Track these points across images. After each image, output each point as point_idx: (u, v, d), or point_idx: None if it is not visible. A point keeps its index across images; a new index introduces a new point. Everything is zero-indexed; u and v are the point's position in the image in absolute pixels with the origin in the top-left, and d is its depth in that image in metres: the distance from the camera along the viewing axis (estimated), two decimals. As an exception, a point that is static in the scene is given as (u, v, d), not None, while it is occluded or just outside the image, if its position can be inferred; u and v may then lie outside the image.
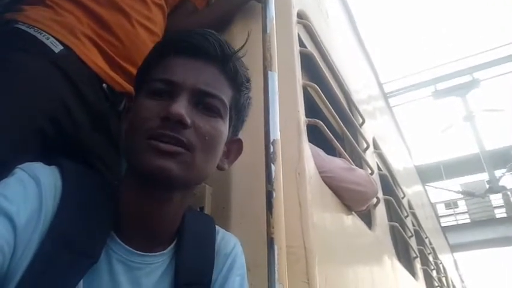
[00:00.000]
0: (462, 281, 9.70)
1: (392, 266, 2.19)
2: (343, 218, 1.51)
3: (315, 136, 1.44)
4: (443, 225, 10.35)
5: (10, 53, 0.89)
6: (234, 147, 0.80)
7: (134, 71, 0.94)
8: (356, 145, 1.95)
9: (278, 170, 0.92)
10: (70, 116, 0.92)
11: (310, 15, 1.69)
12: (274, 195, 0.89)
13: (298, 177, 1.10)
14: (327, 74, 1.72)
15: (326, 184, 1.35)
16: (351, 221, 1.58)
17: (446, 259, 6.62)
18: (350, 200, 1.50)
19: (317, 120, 1.36)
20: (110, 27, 1.03)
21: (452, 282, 6.54)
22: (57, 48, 0.93)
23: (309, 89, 1.47)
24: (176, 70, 0.70)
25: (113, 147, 1.02)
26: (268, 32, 1.11)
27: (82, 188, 0.66)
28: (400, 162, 4.05)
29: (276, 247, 0.84)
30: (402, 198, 3.26)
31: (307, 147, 1.23)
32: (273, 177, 0.90)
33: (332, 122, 1.78)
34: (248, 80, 0.80)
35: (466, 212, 19.27)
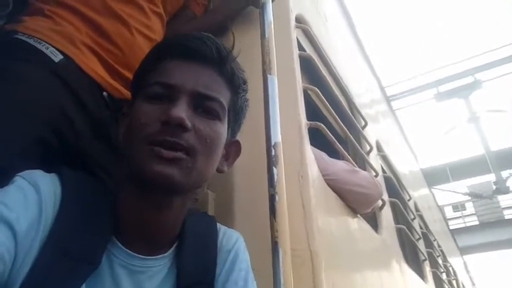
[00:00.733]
0: (473, 284, 9.60)
1: (401, 270, 2.17)
2: (348, 221, 1.49)
3: (318, 140, 1.43)
4: (451, 227, 10.26)
5: (11, 63, 0.89)
6: (233, 149, 0.80)
7: None
8: (359, 148, 1.94)
9: (280, 173, 0.91)
10: (70, 125, 0.92)
11: (309, 19, 1.69)
12: (277, 198, 0.88)
13: (301, 180, 1.09)
14: (327, 77, 1.72)
15: (330, 187, 1.34)
16: (357, 224, 1.57)
17: (455, 262, 6.55)
18: (355, 202, 1.49)
19: (319, 123, 1.35)
20: (109, 36, 1.04)
21: (462, 284, 6.46)
22: (57, 57, 0.93)
23: (309, 92, 1.47)
24: (175, 73, 0.70)
25: (114, 154, 1.02)
26: (266, 36, 1.11)
27: (81, 195, 0.66)
28: (405, 165, 4.03)
29: (280, 250, 0.83)
30: (409, 200, 3.23)
31: (309, 150, 1.22)
32: (275, 180, 0.90)
33: (334, 125, 1.78)
34: (245, 82, 0.80)
35: (474, 214, 19.11)
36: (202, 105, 0.70)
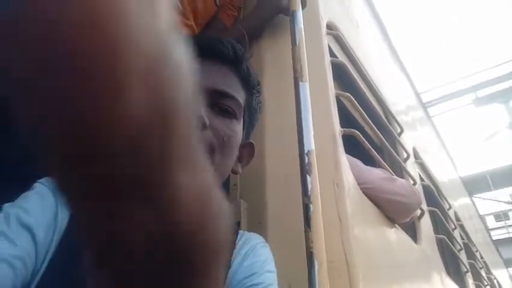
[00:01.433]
0: (520, 298, 9.09)
1: (442, 282, 2.08)
2: (386, 231, 1.44)
3: (352, 147, 1.40)
4: (494, 238, 9.80)
5: None
6: (246, 151, 0.79)
7: None
8: (396, 155, 1.88)
9: (314, 182, 0.89)
10: None
11: (340, 26, 1.67)
12: (311, 208, 0.86)
13: (337, 188, 1.06)
14: (360, 84, 1.69)
15: (366, 195, 1.30)
16: (395, 234, 1.51)
17: (500, 274, 6.24)
18: (393, 211, 1.43)
19: (353, 130, 1.32)
20: None
21: (508, 299, 6.14)
22: None
23: (342, 99, 1.44)
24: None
25: None
26: (297, 44, 1.11)
27: None
28: (444, 173, 3.89)
29: (316, 262, 0.80)
30: (448, 209, 3.11)
31: (344, 158, 1.19)
32: (309, 189, 0.88)
33: (368, 132, 1.74)
34: (259, 84, 0.80)
35: (518, 224, 18.19)
36: (219, 103, 0.69)
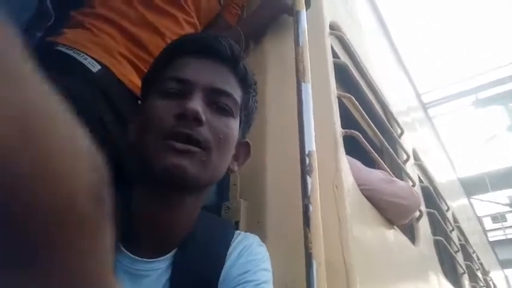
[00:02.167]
0: (515, 300, 9.12)
1: (439, 283, 2.09)
2: (384, 232, 1.45)
3: (353, 148, 1.40)
4: (491, 239, 9.81)
5: (50, 74, 0.92)
6: (242, 150, 0.79)
7: None
8: (396, 157, 1.89)
9: (315, 182, 0.89)
10: (108, 134, 0.94)
11: (343, 26, 1.67)
12: (311, 208, 0.86)
13: (336, 190, 1.07)
14: (362, 85, 1.69)
15: (366, 197, 1.31)
16: (393, 235, 1.52)
17: (496, 275, 6.26)
18: (392, 213, 1.44)
19: (354, 131, 1.33)
20: (146, 46, 1.06)
21: (504, 300, 6.16)
22: (95, 68, 0.96)
23: (344, 100, 1.44)
24: (189, 69, 0.70)
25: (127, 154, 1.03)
26: (300, 44, 1.11)
27: None
28: (442, 174, 3.90)
29: (314, 263, 0.81)
30: (447, 211, 3.12)
31: (344, 159, 1.20)
32: (309, 190, 0.88)
33: (369, 133, 1.74)
34: (255, 83, 0.80)
35: (515, 226, 18.21)
36: (216, 101, 0.70)
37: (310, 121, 0.96)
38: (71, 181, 0.17)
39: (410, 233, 1.88)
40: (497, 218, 19.06)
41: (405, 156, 2.10)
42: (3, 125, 0.14)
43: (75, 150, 0.18)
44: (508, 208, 17.59)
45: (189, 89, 0.69)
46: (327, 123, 1.19)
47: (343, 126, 1.27)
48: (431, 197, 2.65)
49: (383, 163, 1.57)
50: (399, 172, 1.95)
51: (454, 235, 3.12)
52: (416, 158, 2.52)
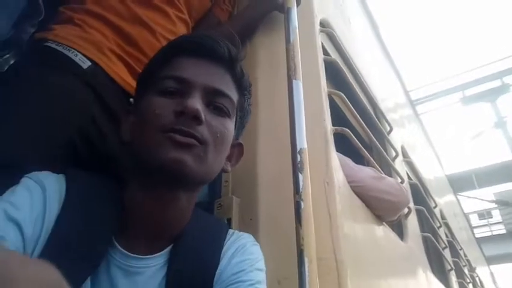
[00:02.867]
0: (500, 295, 9.29)
1: (427, 279, 2.11)
2: (374, 228, 1.46)
3: (343, 145, 1.41)
4: (477, 236, 9.97)
5: (42, 70, 0.91)
6: (236, 150, 0.81)
7: None
8: (385, 153, 1.90)
9: (306, 179, 0.90)
10: (98, 130, 0.93)
11: (333, 23, 1.68)
12: (302, 205, 0.87)
13: (327, 187, 1.07)
14: (352, 82, 1.70)
15: (356, 194, 1.32)
16: (383, 231, 1.53)
17: (482, 272, 6.36)
18: (381, 209, 1.46)
19: (344, 129, 1.33)
20: (136, 43, 1.05)
21: (490, 295, 6.26)
22: (86, 64, 0.95)
23: (334, 97, 1.45)
24: (188, 68, 0.71)
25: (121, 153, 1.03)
26: (291, 41, 1.11)
27: (85, 195, 0.66)
28: (430, 171, 3.94)
29: (306, 259, 0.81)
30: (434, 208, 3.16)
31: (335, 156, 1.20)
32: (300, 187, 0.88)
33: (359, 130, 1.75)
34: (251, 85, 0.81)
35: (500, 223, 18.52)
36: (214, 101, 0.71)
37: (302, 119, 0.96)
38: None
39: (399, 229, 1.90)
40: (484, 214, 19.35)
41: (394, 153, 2.12)
42: None
43: None
44: (494, 205, 17.87)
45: (188, 88, 0.69)
46: (317, 121, 1.20)
47: (333, 124, 1.28)
48: (419, 194, 2.68)
49: (372, 160, 1.59)
50: (388, 169, 1.97)
51: (442, 232, 3.16)
52: (405, 155, 2.55)
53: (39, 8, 0.88)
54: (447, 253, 3.10)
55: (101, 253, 0.64)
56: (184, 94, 0.68)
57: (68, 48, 0.95)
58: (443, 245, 3.02)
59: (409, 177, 2.49)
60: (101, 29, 1.02)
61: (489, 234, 17.53)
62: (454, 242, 3.73)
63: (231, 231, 0.81)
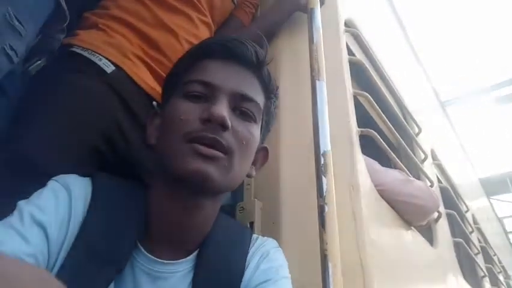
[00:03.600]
0: (538, 303, 8.89)
1: (458, 286, 2.04)
2: (402, 233, 1.42)
3: (369, 147, 1.38)
4: (512, 241, 9.58)
5: (66, 75, 0.93)
6: (261, 154, 0.79)
7: None
8: (413, 156, 1.85)
9: (330, 183, 0.88)
10: (122, 134, 0.94)
11: (359, 23, 1.65)
12: (326, 209, 0.85)
13: (352, 190, 1.05)
14: (378, 83, 1.66)
15: (382, 197, 1.28)
16: (411, 236, 1.49)
17: (518, 278, 6.10)
18: (409, 214, 1.41)
19: (370, 130, 1.30)
20: (159, 47, 1.06)
21: (526, 304, 6.00)
22: (110, 68, 0.96)
23: (359, 98, 1.42)
24: (215, 73, 0.70)
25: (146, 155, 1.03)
26: (315, 42, 1.09)
27: (111, 199, 0.66)
28: (462, 174, 3.82)
29: (330, 264, 0.80)
30: (466, 212, 3.05)
31: (361, 159, 1.18)
32: (324, 190, 0.87)
33: (385, 132, 1.71)
34: (277, 89, 0.80)
35: (538, 227, 17.78)
36: (240, 106, 0.70)
37: (326, 120, 0.95)
38: None
39: (429, 234, 1.84)
40: (519, 218, 18.60)
41: (423, 156, 2.05)
42: None
43: None
44: (530, 209, 17.14)
45: (214, 93, 0.68)
46: (342, 122, 1.17)
47: (359, 125, 1.25)
48: (450, 197, 2.59)
49: (399, 162, 1.54)
50: (416, 172, 1.91)
51: (474, 237, 3.05)
52: (435, 157, 2.47)
53: (64, 13, 0.89)
54: (480, 259, 2.99)
55: (126, 257, 0.64)
56: (210, 99, 0.68)
57: (92, 52, 0.96)
58: (476, 251, 2.91)
59: (439, 181, 2.41)
60: (124, 33, 1.03)
61: (525, 239, 16.86)
62: (488, 248, 3.60)
63: (254, 236, 0.80)
